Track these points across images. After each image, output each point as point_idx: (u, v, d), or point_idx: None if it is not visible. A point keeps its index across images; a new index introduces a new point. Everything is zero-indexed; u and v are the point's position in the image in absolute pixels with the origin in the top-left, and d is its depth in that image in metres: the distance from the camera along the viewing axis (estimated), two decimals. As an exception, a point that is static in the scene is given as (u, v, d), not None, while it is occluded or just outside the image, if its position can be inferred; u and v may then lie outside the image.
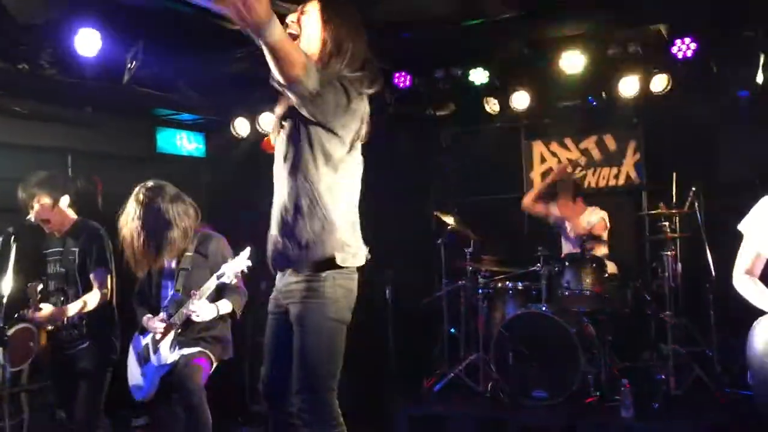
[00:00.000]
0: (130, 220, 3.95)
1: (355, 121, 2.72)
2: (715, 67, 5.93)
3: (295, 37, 2.68)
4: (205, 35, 5.42)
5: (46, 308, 4.21)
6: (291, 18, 2.75)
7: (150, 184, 4.06)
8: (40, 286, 4.25)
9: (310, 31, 2.72)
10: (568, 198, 6.55)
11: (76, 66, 5.19)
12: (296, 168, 2.69)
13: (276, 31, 2.30)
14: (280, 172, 2.77)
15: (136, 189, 4.05)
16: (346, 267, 2.72)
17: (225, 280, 3.86)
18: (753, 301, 3.22)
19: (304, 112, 2.59)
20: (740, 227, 3.35)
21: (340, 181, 2.72)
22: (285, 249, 2.72)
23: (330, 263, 2.68)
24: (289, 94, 2.52)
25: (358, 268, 2.82)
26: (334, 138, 2.67)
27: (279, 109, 2.82)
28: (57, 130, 6.04)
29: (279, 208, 2.76)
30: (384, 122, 7.52)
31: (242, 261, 3.86)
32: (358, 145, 2.83)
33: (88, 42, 4.98)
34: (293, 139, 2.70)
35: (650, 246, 6.83)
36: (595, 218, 6.38)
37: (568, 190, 6.57)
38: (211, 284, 3.90)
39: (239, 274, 3.89)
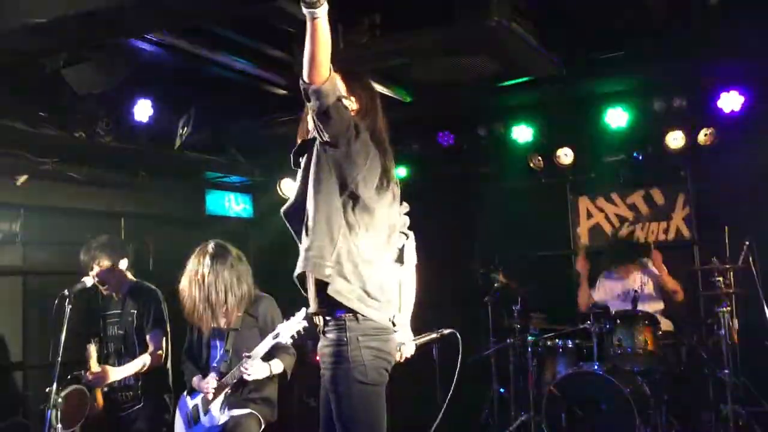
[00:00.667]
0: (197, 276, 4.04)
1: (370, 156, 2.71)
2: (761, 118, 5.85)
3: None
4: (252, 100, 5.60)
5: (101, 370, 4.28)
6: None
7: (213, 243, 4.17)
8: (97, 347, 4.34)
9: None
10: (626, 265, 6.40)
11: (130, 133, 5.40)
12: (313, 194, 2.67)
13: (325, 12, 2.34)
14: (298, 209, 2.74)
15: (202, 246, 4.15)
16: (367, 324, 2.66)
17: (281, 340, 3.89)
18: None
19: (319, 127, 2.58)
20: None
21: (359, 221, 2.68)
22: (300, 260, 2.70)
23: (324, 287, 2.63)
24: (312, 101, 2.51)
25: None
26: (352, 165, 2.66)
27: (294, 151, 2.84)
28: (111, 195, 6.23)
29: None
30: (429, 180, 7.61)
31: (298, 322, 3.88)
32: (395, 210, 2.85)
33: (142, 109, 5.18)
34: (310, 170, 2.70)
35: (704, 302, 6.66)
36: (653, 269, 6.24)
37: (627, 259, 6.43)
38: (267, 345, 3.91)
39: (295, 335, 3.91)
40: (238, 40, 4.62)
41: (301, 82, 2.52)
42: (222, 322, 4.17)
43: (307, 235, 2.68)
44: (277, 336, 3.90)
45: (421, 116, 6.27)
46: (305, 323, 3.86)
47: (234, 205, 7.66)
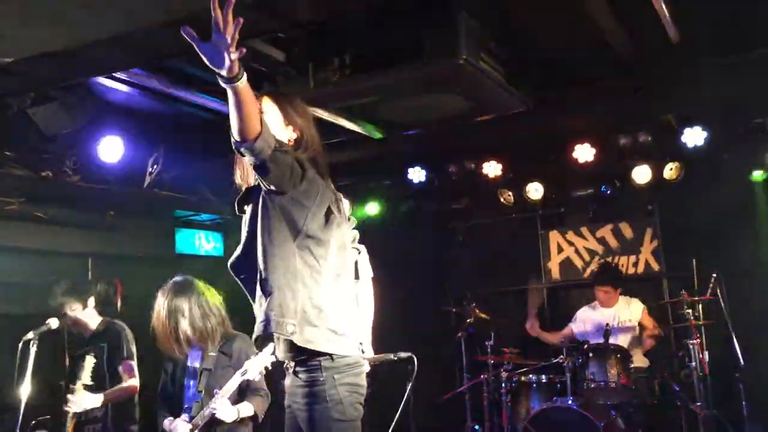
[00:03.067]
0: (163, 310, 4.01)
1: (319, 192, 2.68)
2: (726, 153, 5.98)
3: None
4: (222, 138, 5.58)
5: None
6: None
7: (179, 277, 4.16)
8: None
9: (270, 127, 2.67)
10: (608, 286, 6.45)
11: (99, 172, 5.34)
12: (264, 246, 2.61)
13: (245, 80, 2.31)
14: (247, 259, 2.68)
15: (168, 283, 4.13)
16: (341, 361, 2.64)
17: (248, 377, 3.81)
18: None
19: (260, 177, 2.54)
20: None
21: (318, 260, 2.65)
22: (260, 321, 2.64)
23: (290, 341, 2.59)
24: (247, 156, 2.46)
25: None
26: (301, 208, 2.62)
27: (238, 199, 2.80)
28: (78, 235, 6.13)
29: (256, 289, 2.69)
30: (400, 217, 7.63)
31: (266, 357, 3.81)
32: (344, 229, 2.81)
33: (111, 149, 5.14)
34: (258, 219, 2.64)
35: (674, 334, 6.71)
36: (635, 311, 6.29)
37: (610, 280, 6.48)
38: (235, 382, 3.84)
39: (263, 371, 3.84)
40: (207, 79, 4.62)
41: (232, 140, 2.45)
42: (189, 362, 4.11)
43: (264, 292, 2.61)
44: (245, 373, 3.82)
45: (392, 153, 6.30)
46: (273, 358, 3.78)
47: (204, 243, 7.59)
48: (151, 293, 4.19)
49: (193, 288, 4.11)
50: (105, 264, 6.31)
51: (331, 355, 2.62)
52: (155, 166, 5.46)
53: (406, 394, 2.90)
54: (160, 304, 4.04)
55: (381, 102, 4.49)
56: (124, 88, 4.44)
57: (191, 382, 4.13)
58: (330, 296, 2.68)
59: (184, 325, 3.99)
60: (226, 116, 5.03)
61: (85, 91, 4.40)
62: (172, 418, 4.07)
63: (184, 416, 4.01)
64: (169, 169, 5.71)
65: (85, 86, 4.33)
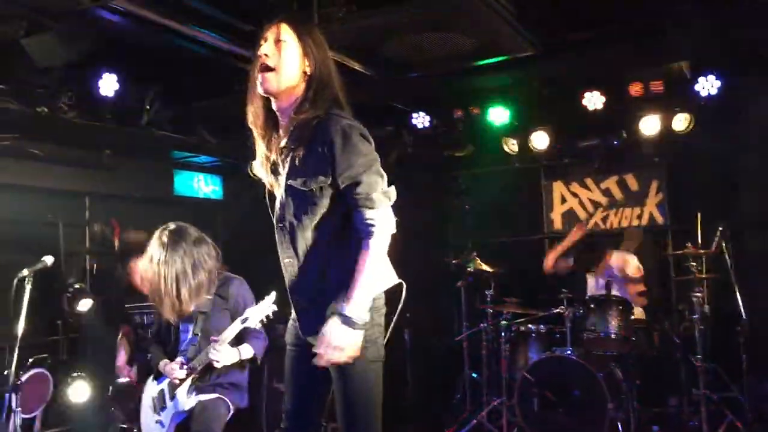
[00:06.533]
0: (154, 264, 3.84)
1: None
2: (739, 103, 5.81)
3: (270, 69, 2.55)
4: (223, 77, 5.44)
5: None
6: (265, 50, 2.55)
7: (172, 226, 3.94)
8: None
9: (289, 60, 2.56)
10: (632, 246, 6.38)
11: (95, 109, 5.19)
12: (324, 232, 2.58)
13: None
14: (296, 228, 2.61)
15: (158, 232, 3.94)
16: (379, 301, 2.64)
17: (249, 324, 3.75)
18: None
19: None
20: None
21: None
22: (317, 317, 2.57)
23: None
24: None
25: None
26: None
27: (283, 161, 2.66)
28: (75, 173, 6.04)
29: (305, 273, 2.62)
30: (402, 164, 7.51)
31: (268, 306, 3.75)
32: None
33: (107, 84, 5.00)
34: (315, 196, 2.57)
35: (676, 287, 6.67)
36: (632, 264, 6.23)
37: (634, 239, 6.41)
38: (235, 329, 3.78)
39: (264, 320, 3.78)
40: (208, 13, 4.45)
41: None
42: (178, 312, 4.00)
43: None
44: (245, 320, 3.76)
45: (395, 97, 6.16)
46: (275, 307, 3.74)
47: (203, 186, 7.50)
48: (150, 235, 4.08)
49: (183, 242, 3.88)
50: (102, 204, 6.23)
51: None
52: (152, 105, 5.31)
53: (394, 319, 2.84)
54: (151, 259, 3.85)
55: (386, 41, 4.34)
56: (121, 20, 4.27)
57: (187, 326, 4.07)
58: None
59: (171, 286, 3.79)
60: (227, 53, 4.94)
61: (80, 22, 4.22)
62: (167, 360, 4.03)
63: (180, 359, 3.96)
64: (166, 108, 5.57)
65: (80, 16, 4.15)
